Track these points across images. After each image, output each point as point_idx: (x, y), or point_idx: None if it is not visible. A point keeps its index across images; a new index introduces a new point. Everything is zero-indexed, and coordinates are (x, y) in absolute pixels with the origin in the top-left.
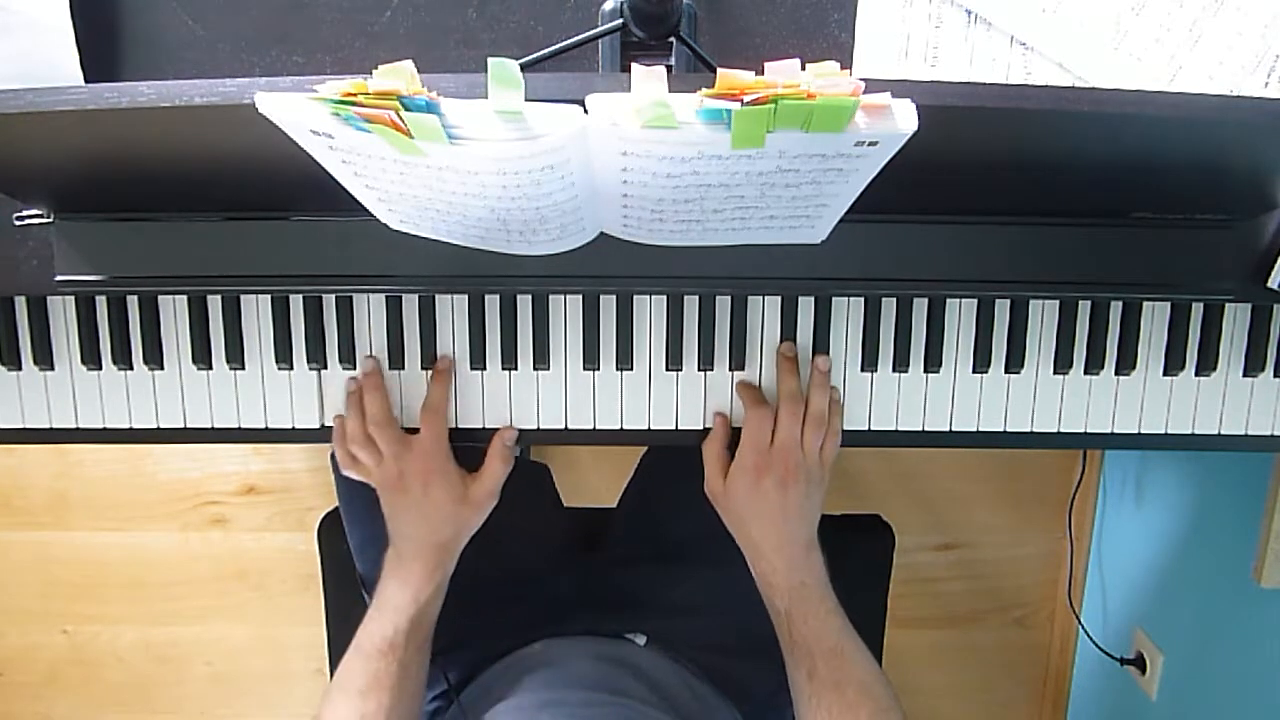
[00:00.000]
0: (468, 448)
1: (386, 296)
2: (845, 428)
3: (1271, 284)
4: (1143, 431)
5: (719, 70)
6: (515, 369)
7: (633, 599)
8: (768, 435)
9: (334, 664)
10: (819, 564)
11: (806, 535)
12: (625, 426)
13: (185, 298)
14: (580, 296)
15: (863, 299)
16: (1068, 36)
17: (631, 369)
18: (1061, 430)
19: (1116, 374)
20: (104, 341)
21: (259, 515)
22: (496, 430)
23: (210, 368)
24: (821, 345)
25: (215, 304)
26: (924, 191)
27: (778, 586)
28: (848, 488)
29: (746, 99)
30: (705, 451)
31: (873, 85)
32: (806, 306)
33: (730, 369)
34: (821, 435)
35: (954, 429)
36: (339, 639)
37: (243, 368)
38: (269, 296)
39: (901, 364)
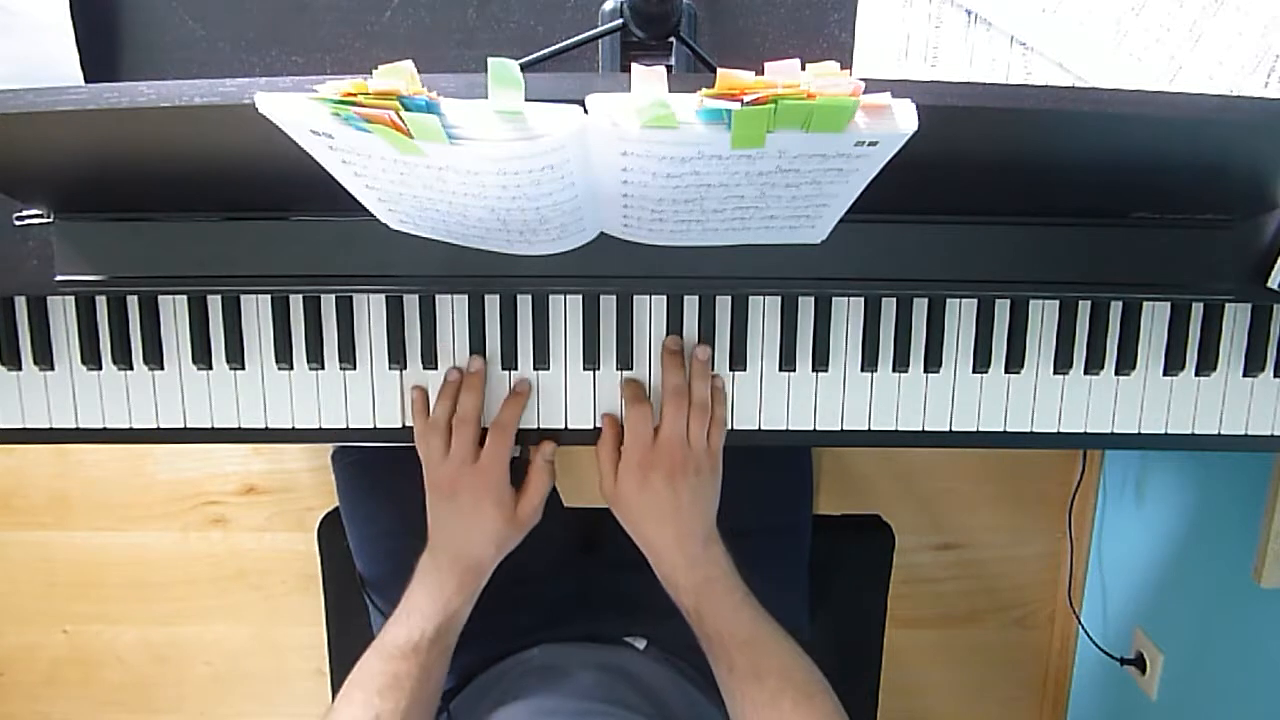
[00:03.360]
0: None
1: (386, 296)
2: (847, 428)
3: (1271, 284)
4: (1143, 431)
5: (719, 70)
6: (515, 369)
7: (632, 602)
8: (650, 431)
9: (334, 664)
10: (722, 556)
11: (703, 529)
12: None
13: (185, 298)
14: (580, 296)
15: (863, 299)
16: (1068, 36)
17: (631, 369)
18: (1061, 430)
19: (1116, 374)
20: (104, 341)
21: (259, 515)
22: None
23: (210, 368)
24: (821, 345)
25: (215, 304)
26: (924, 191)
27: (681, 585)
28: (848, 488)
29: (746, 99)
30: (597, 454)
31: (873, 85)
32: (806, 306)
33: (730, 369)
34: (706, 425)
35: (954, 429)
36: (339, 639)
37: (243, 368)
38: (269, 296)
39: (901, 364)
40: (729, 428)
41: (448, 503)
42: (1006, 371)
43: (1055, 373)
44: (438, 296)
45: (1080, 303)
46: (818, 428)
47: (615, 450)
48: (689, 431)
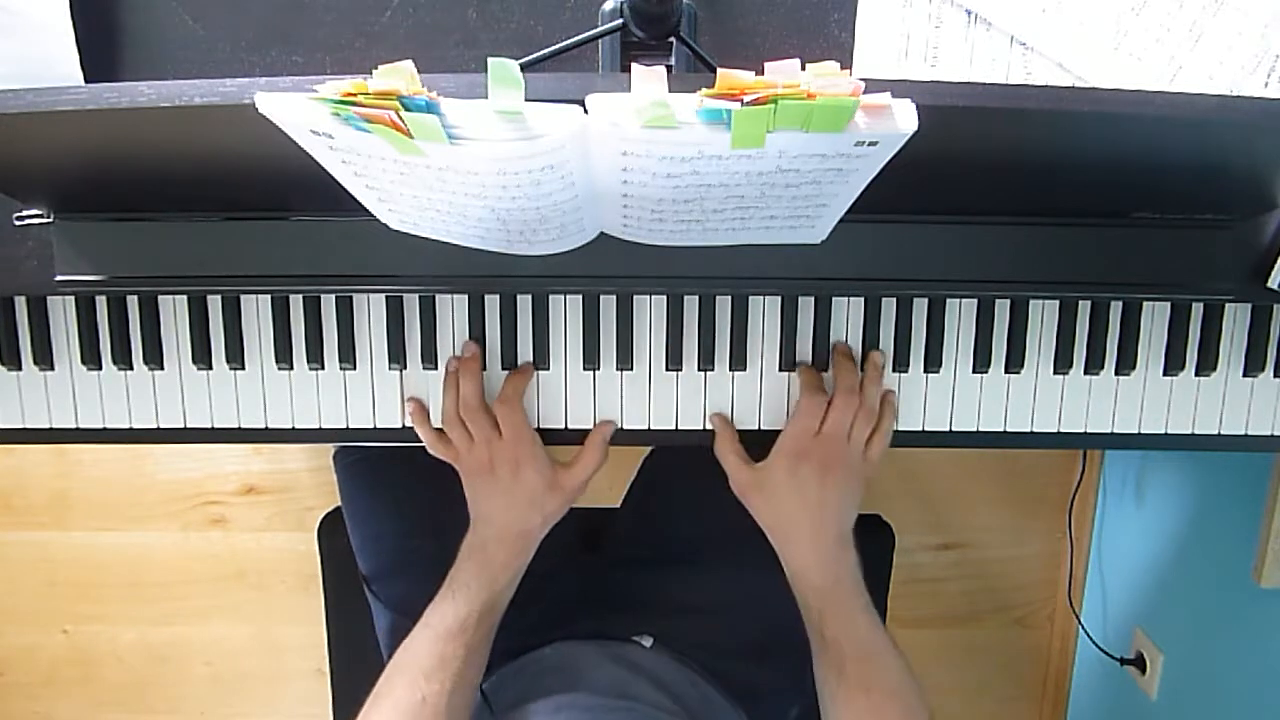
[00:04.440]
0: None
1: (386, 296)
2: None
3: (1271, 284)
4: (1143, 431)
5: (719, 70)
6: (516, 369)
7: (637, 600)
8: (816, 423)
9: (334, 664)
10: (853, 562)
11: (841, 531)
12: (625, 426)
13: (185, 298)
14: (580, 296)
15: (863, 299)
16: (1068, 36)
17: (631, 369)
18: (1061, 430)
19: (1116, 374)
20: (104, 341)
21: (259, 515)
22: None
23: (210, 368)
24: (821, 345)
25: (215, 304)
26: (924, 191)
27: (810, 583)
28: None
29: (746, 99)
30: (720, 454)
31: (873, 85)
32: (806, 306)
33: (730, 369)
34: (870, 429)
35: (954, 429)
36: (339, 639)
37: (243, 368)
38: (269, 296)
39: (901, 364)
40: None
41: (489, 480)
42: (1006, 371)
43: (1055, 373)
44: (438, 296)
45: (1080, 303)
46: None
47: (738, 446)
48: (851, 431)
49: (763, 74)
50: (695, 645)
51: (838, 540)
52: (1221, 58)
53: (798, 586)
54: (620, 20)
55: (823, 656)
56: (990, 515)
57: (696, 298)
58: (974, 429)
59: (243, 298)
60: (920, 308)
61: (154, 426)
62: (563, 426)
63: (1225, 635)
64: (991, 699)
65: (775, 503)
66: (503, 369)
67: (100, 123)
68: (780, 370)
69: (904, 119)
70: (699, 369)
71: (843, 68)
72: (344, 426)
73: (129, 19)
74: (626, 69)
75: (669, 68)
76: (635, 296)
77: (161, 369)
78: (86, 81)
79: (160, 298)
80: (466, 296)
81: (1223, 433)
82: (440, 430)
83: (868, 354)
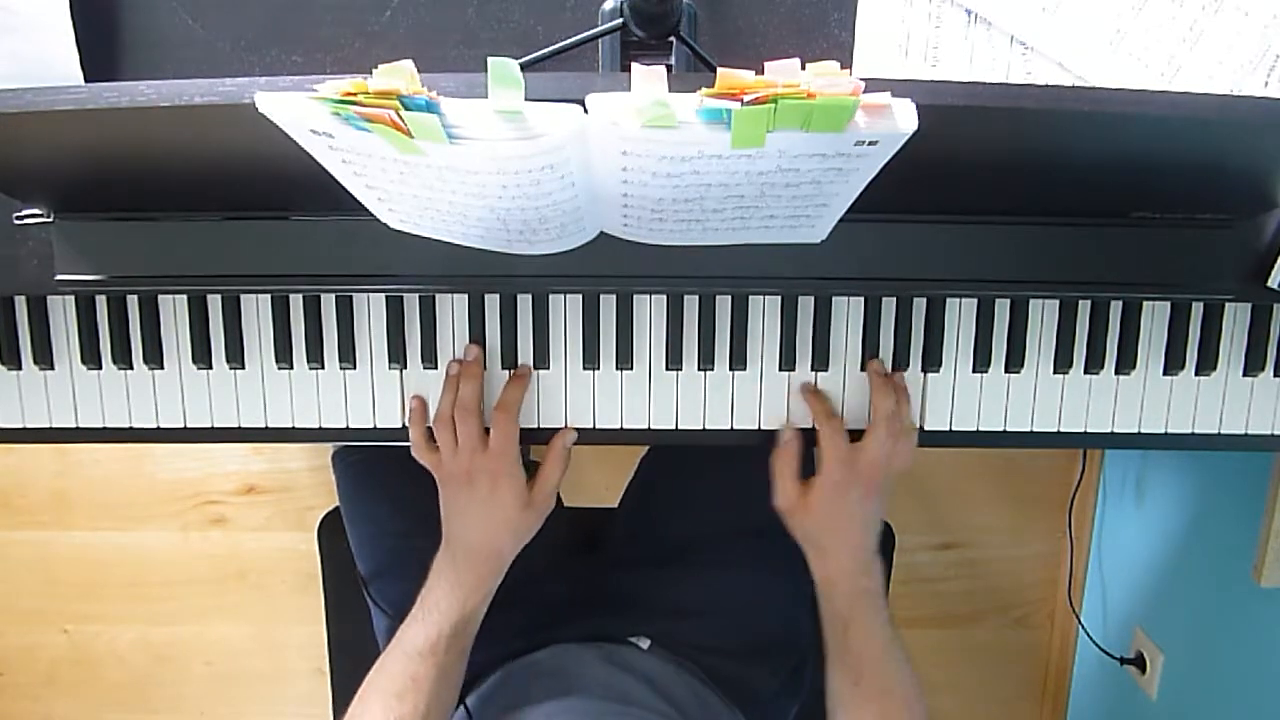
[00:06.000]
0: None
1: (386, 296)
2: (847, 427)
3: (1271, 284)
4: (1143, 431)
5: (719, 70)
6: (515, 369)
7: (634, 601)
8: (846, 446)
9: (334, 664)
10: (880, 572)
11: (873, 542)
12: (625, 426)
13: (185, 298)
14: (580, 296)
15: (863, 299)
16: (1068, 36)
17: (631, 369)
18: (1061, 430)
19: (1116, 374)
20: (104, 341)
21: (259, 515)
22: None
23: (210, 368)
24: (821, 345)
25: (215, 304)
26: (924, 191)
27: (841, 591)
28: None
29: (746, 99)
30: (778, 467)
31: (873, 85)
32: (806, 306)
33: (730, 369)
34: (904, 450)
35: (954, 429)
36: (339, 639)
37: (243, 368)
38: (269, 296)
39: (901, 364)
40: (731, 428)
41: (465, 492)
42: (1006, 371)
43: (1055, 372)
44: (438, 296)
45: (1080, 303)
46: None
47: (798, 462)
48: (892, 455)
49: (763, 74)
50: (693, 646)
51: (872, 551)
52: (1221, 58)
53: (827, 594)
54: (620, 20)
55: (840, 664)
56: (990, 515)
57: (696, 297)
58: (974, 429)
59: (243, 298)
60: (920, 307)
61: (154, 426)
62: (563, 427)
63: (1225, 635)
64: (991, 699)
65: (819, 521)
66: (503, 369)
67: (100, 123)
68: (780, 370)
69: (904, 119)
70: (699, 369)
71: (843, 67)
72: (344, 426)
73: (129, 19)
74: (626, 69)
75: (669, 67)
76: (635, 296)
77: (161, 369)
78: (86, 81)
79: (160, 298)
80: (466, 296)
81: (1223, 432)
82: (429, 432)
83: (894, 373)
